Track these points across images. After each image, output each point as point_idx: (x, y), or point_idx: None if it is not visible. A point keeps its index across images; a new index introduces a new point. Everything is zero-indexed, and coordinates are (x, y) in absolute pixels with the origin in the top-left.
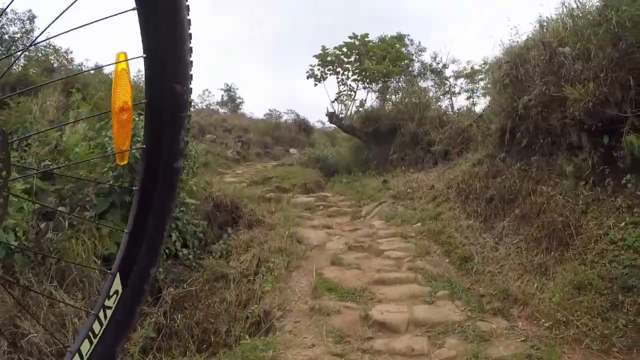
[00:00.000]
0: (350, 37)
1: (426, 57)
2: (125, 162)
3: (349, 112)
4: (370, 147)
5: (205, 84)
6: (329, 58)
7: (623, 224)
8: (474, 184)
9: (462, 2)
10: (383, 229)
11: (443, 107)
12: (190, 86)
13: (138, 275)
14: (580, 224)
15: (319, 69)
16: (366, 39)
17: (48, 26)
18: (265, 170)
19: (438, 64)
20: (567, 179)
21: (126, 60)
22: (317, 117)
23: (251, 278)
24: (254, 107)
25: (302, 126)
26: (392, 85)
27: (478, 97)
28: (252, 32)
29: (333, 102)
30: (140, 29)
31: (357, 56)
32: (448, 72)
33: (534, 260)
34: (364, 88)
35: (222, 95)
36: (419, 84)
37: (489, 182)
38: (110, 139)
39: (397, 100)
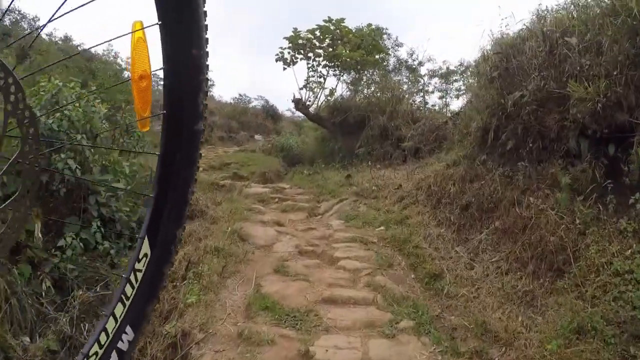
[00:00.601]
0: (324, 21)
1: (402, 53)
2: (147, 128)
3: (317, 101)
4: (337, 139)
5: None
6: (300, 41)
7: (629, 251)
8: (447, 187)
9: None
10: (341, 231)
11: (417, 102)
12: (207, 49)
13: (165, 237)
14: (578, 248)
15: (289, 52)
16: (342, 24)
17: (62, 4)
18: (225, 156)
19: (414, 60)
20: (561, 191)
21: (142, 28)
22: (287, 106)
23: (177, 284)
24: (226, 91)
25: (270, 113)
26: (365, 77)
27: (451, 97)
28: (232, 17)
29: (301, 88)
30: (155, 1)
31: (330, 41)
32: (423, 70)
33: (517, 285)
34: (335, 75)
35: None
36: (393, 79)
37: (466, 187)
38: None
39: (370, 92)
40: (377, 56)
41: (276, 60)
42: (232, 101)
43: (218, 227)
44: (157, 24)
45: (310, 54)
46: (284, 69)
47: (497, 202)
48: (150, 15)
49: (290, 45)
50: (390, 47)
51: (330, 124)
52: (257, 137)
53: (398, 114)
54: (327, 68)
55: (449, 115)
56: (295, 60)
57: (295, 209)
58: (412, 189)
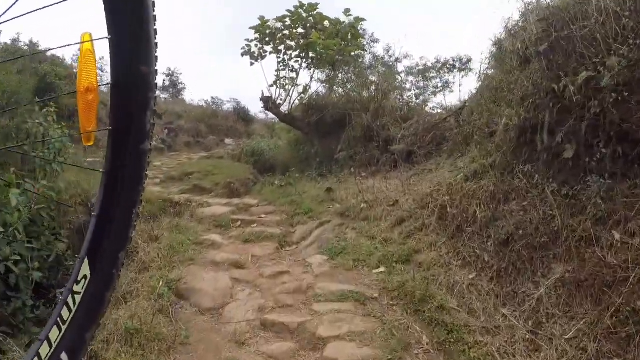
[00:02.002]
0: (295, 7)
1: (378, 50)
2: (92, 143)
3: (289, 99)
4: (313, 142)
5: None
6: (268, 31)
7: None
8: (470, 208)
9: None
10: (325, 277)
11: (406, 97)
12: (156, 68)
13: (107, 259)
14: None
15: (256, 45)
16: (316, 10)
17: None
18: (189, 163)
19: (390, 57)
20: None
21: (91, 40)
22: (260, 107)
23: None
24: (198, 95)
25: (242, 115)
26: (340, 75)
27: (428, 95)
28: (204, 17)
29: (271, 85)
30: (105, 9)
31: (303, 30)
32: (400, 67)
33: None
34: (308, 68)
35: (164, 80)
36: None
37: (499, 209)
38: None
39: (350, 87)
40: (356, 46)
41: (242, 55)
42: (204, 104)
43: (147, 278)
44: (107, 37)
45: (281, 47)
46: (252, 64)
47: (556, 235)
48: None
49: (258, 36)
50: (366, 43)
51: (305, 125)
52: (227, 141)
53: (385, 110)
54: (299, 61)
55: (442, 111)
56: (263, 54)
57: (262, 237)
58: (415, 207)
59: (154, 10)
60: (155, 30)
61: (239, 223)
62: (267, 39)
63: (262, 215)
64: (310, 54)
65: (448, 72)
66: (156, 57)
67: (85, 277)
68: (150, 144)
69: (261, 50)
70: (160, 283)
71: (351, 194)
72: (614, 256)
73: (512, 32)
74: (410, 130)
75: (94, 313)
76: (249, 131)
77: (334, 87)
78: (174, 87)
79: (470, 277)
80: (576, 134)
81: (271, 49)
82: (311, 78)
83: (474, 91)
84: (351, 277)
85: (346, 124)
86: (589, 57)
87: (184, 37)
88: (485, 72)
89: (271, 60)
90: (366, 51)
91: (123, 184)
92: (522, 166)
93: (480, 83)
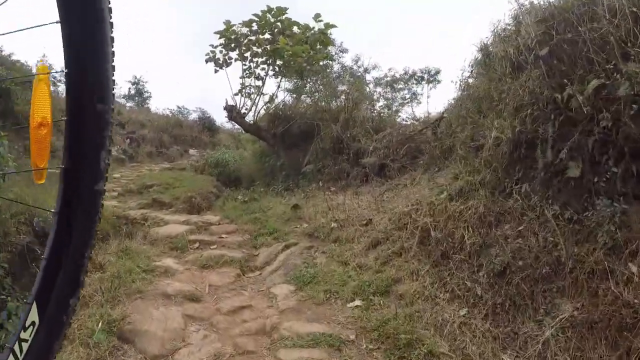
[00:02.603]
0: (263, 11)
1: (347, 60)
2: (43, 181)
3: (255, 108)
4: (279, 154)
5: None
6: (234, 36)
7: None
8: (455, 231)
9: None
10: (292, 315)
11: (377, 107)
12: (112, 106)
13: (56, 305)
14: None
15: (221, 52)
16: (284, 15)
17: None
18: (149, 175)
19: (359, 67)
20: None
21: (47, 73)
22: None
23: None
24: (164, 104)
25: (207, 125)
26: (308, 85)
27: (397, 106)
28: (173, 22)
29: (236, 94)
30: (63, 43)
31: (270, 36)
32: (368, 78)
33: None
34: (275, 76)
35: (129, 88)
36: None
37: (491, 234)
38: None
39: (318, 97)
40: (324, 55)
41: (206, 61)
42: (169, 113)
43: (86, 317)
44: (64, 71)
45: (247, 53)
46: (216, 71)
47: (560, 265)
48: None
49: (223, 41)
50: (334, 53)
51: (271, 136)
52: (191, 151)
53: (355, 121)
54: (265, 69)
55: (415, 122)
56: (228, 61)
57: (221, 262)
58: (391, 227)
59: (112, 47)
60: (113, 67)
61: (196, 245)
62: (233, 44)
63: (223, 235)
64: (277, 61)
65: (416, 84)
66: (113, 94)
67: (33, 323)
68: (105, 185)
69: (226, 57)
70: (100, 324)
71: (320, 212)
72: (632, 293)
73: (502, 36)
74: (382, 142)
75: None
76: (214, 141)
77: (302, 97)
78: (140, 95)
79: (462, 313)
80: (581, 149)
81: (236, 56)
82: (278, 87)
83: (450, 101)
84: (322, 312)
85: (314, 135)
86: (599, 62)
87: (151, 43)
88: (466, 80)
89: (237, 68)
90: (335, 60)
91: (75, 226)
92: (515, 185)
93: (460, 92)
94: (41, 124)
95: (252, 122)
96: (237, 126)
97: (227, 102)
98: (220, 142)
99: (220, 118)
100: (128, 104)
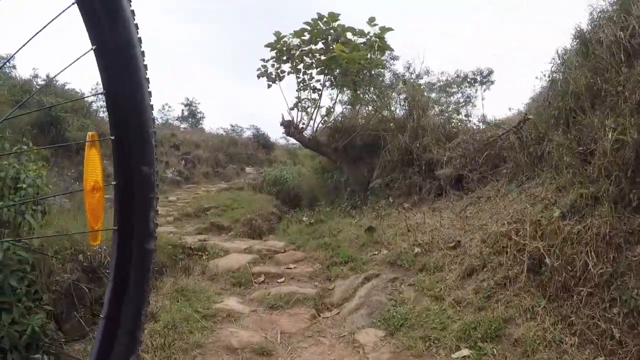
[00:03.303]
0: (314, 20)
1: (398, 67)
2: (98, 242)
3: (313, 122)
4: (342, 169)
5: (165, 99)
6: (285, 48)
7: None
8: (576, 257)
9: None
10: None
11: (447, 112)
12: (157, 169)
13: None
14: None
15: (273, 65)
16: (337, 22)
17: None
18: (206, 197)
19: (411, 74)
20: None
21: (96, 140)
22: (280, 133)
23: None
24: (217, 123)
25: (262, 142)
26: (364, 95)
27: (450, 111)
28: (219, 46)
29: (292, 109)
30: (109, 112)
31: (323, 45)
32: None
33: None
34: (331, 86)
35: (183, 110)
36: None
37: (622, 260)
38: None
39: (377, 105)
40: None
41: (258, 77)
42: (223, 132)
43: None
44: (110, 138)
45: (300, 65)
46: (269, 86)
47: None
48: None
49: (274, 54)
50: (386, 60)
51: (332, 150)
52: (248, 169)
53: (425, 129)
54: (321, 80)
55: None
56: (281, 75)
57: (292, 300)
58: (487, 251)
59: (152, 114)
60: (154, 132)
61: (262, 278)
62: (285, 57)
63: (291, 266)
64: (334, 71)
65: (469, 86)
66: (156, 157)
67: None
68: (155, 244)
69: (278, 71)
70: None
71: (398, 234)
72: None
73: (603, 18)
74: (457, 151)
75: None
76: (270, 158)
77: (359, 107)
78: (193, 116)
79: None
80: None
81: (289, 69)
82: (336, 98)
83: (528, 101)
84: None
85: (379, 147)
86: None
87: (201, 64)
88: (552, 75)
89: (290, 81)
90: (386, 68)
91: (130, 284)
92: None
93: (546, 90)
94: (94, 188)
95: (310, 137)
96: (291, 141)
97: (283, 117)
98: (277, 159)
99: (275, 134)
100: (182, 126)
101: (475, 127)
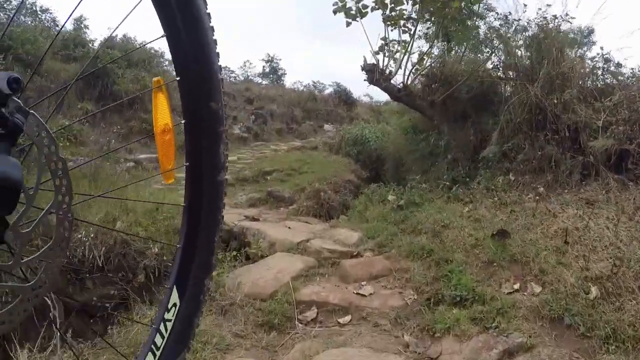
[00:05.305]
0: None
1: (491, 20)
2: (172, 180)
3: (404, 70)
4: (440, 129)
5: (246, 55)
6: None
7: None
8: None
9: None
10: None
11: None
12: (224, 102)
13: (194, 287)
14: None
15: None
16: None
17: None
18: (272, 158)
19: (509, 28)
20: None
21: (162, 85)
22: (363, 90)
23: None
24: (299, 80)
25: (343, 97)
26: (454, 49)
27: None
28: (302, 5)
29: (377, 52)
30: (172, 54)
31: None
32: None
33: None
34: (428, 20)
35: (264, 67)
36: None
37: None
38: None
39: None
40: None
41: (334, 12)
42: (303, 89)
43: None
44: (176, 79)
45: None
46: (348, 24)
47: None
48: None
49: None
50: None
51: (427, 104)
52: (326, 127)
53: (566, 79)
54: (412, 13)
55: None
56: (363, 10)
57: None
58: None
59: (216, 48)
60: (220, 67)
61: (312, 312)
62: None
63: (366, 289)
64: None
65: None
66: (223, 92)
67: (175, 305)
68: (225, 175)
69: (360, 5)
70: None
71: (550, 248)
72: None
73: None
74: (619, 114)
75: (185, 338)
76: (351, 115)
77: (465, 49)
78: (274, 72)
79: None
80: None
81: (373, 3)
82: (435, 37)
83: None
84: None
85: (492, 103)
86: None
87: (280, 21)
88: None
89: (374, 19)
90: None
91: (203, 215)
92: None
93: None
94: (164, 130)
95: (401, 85)
96: (375, 98)
97: (365, 60)
98: (359, 116)
99: (357, 91)
100: (264, 82)
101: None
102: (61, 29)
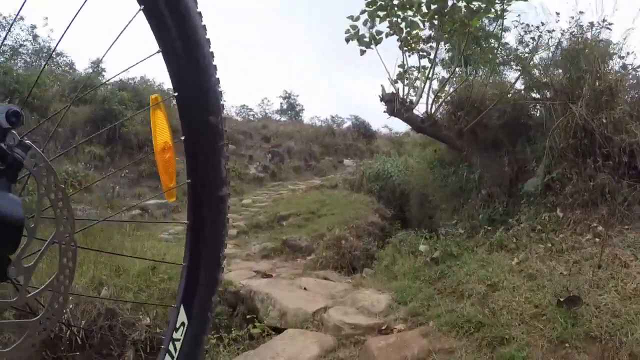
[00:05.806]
0: None
1: (510, 40)
2: (174, 199)
3: (426, 98)
4: (471, 160)
5: (264, 93)
6: (383, 2)
7: None
8: None
9: None
10: None
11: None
12: (223, 116)
13: (201, 305)
14: None
15: (365, 24)
16: None
17: (67, 28)
18: (288, 199)
19: (525, 47)
20: None
21: (159, 102)
22: (382, 122)
23: None
24: (316, 115)
25: (362, 131)
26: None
27: None
28: (317, 38)
29: (396, 81)
30: (168, 69)
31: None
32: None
33: None
34: (445, 44)
35: (281, 103)
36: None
37: None
38: None
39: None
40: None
41: (347, 40)
42: (321, 124)
43: None
44: (174, 95)
45: (402, 24)
46: (362, 52)
47: None
48: None
49: (369, 9)
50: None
51: (455, 134)
52: (346, 162)
53: (614, 94)
54: (431, 41)
55: None
56: (377, 37)
57: None
58: None
59: (213, 61)
60: (218, 79)
61: None
62: (380, 12)
63: None
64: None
65: None
66: (222, 105)
67: (182, 324)
68: (228, 189)
69: (373, 32)
70: None
71: (637, 321)
72: None
73: None
74: None
75: (194, 356)
76: (371, 148)
77: (490, 72)
78: (292, 109)
79: None
80: None
81: (387, 29)
82: (455, 60)
83: None
84: None
85: (527, 127)
86: None
87: (297, 57)
88: None
89: (390, 46)
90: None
91: (206, 232)
92: None
93: None
94: (164, 149)
95: (424, 115)
96: (395, 129)
97: (383, 89)
98: (378, 149)
99: (376, 122)
100: (282, 118)
101: None
102: (55, 46)
